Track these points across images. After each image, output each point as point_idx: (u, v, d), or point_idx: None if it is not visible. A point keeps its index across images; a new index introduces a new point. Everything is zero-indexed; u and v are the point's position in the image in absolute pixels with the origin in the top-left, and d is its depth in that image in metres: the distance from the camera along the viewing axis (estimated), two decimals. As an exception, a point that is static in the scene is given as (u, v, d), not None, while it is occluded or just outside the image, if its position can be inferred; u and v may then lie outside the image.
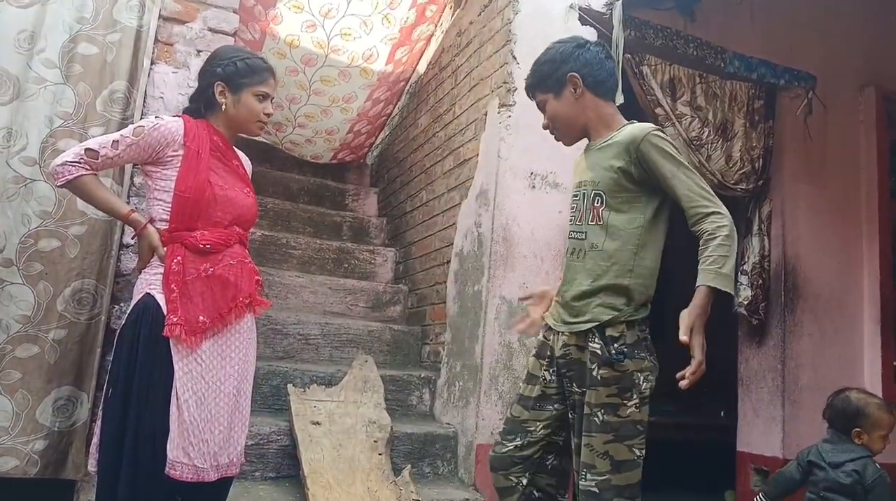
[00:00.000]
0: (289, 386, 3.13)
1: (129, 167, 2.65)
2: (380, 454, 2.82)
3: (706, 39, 3.89)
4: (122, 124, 2.60)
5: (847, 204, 4.23)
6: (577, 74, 2.04)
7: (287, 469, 2.88)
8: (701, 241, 1.90)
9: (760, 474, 3.86)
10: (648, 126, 1.99)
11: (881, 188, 4.27)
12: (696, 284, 1.89)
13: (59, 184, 2.01)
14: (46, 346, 2.47)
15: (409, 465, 2.77)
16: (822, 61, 4.16)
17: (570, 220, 2.10)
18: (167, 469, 1.90)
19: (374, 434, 2.92)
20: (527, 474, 2.03)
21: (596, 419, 1.88)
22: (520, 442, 2.04)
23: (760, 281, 3.93)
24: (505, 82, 3.37)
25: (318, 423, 2.90)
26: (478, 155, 3.54)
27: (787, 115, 4.11)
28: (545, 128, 2.20)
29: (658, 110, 3.72)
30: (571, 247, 2.06)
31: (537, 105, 2.19)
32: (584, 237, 2.01)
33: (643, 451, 1.92)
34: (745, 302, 3.93)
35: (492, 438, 3.08)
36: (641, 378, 1.91)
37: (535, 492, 2.04)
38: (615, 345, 1.90)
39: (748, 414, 4.02)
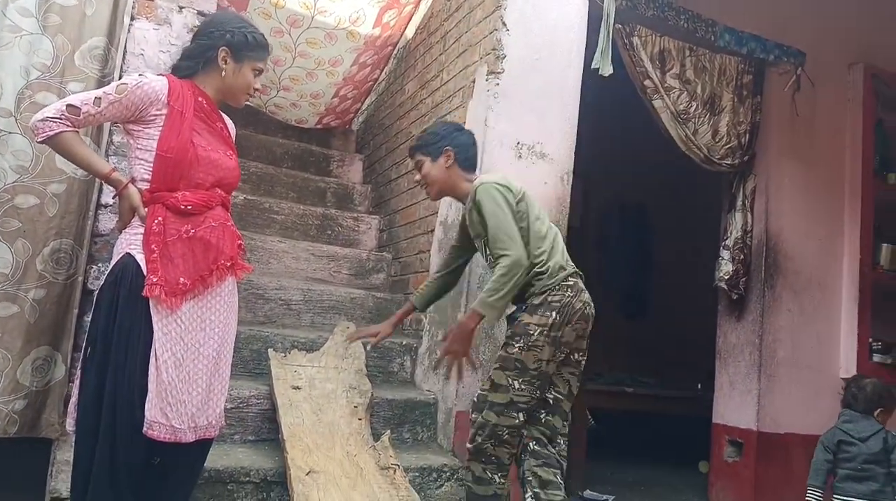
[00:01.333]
0: (269, 350, 3.12)
1: (107, 125, 2.60)
2: (360, 419, 2.83)
3: (697, 12, 3.86)
4: (102, 81, 2.54)
5: (831, 181, 4.26)
6: (451, 150, 2.66)
7: (267, 433, 2.88)
8: None
9: (735, 446, 3.93)
10: (477, 183, 2.58)
11: (865, 166, 4.30)
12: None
13: (39, 139, 1.97)
14: (26, 306, 2.44)
15: (389, 431, 2.79)
16: (812, 37, 4.15)
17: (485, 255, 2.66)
18: (145, 428, 1.89)
19: (355, 399, 2.92)
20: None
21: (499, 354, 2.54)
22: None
23: (742, 257, 3.96)
24: (494, 49, 3.33)
25: (298, 388, 2.90)
26: (465, 122, 3.51)
27: (775, 91, 4.11)
28: (417, 182, 2.79)
29: (647, 82, 3.70)
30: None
31: (415, 164, 2.75)
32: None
33: (521, 384, 2.42)
34: (726, 277, 3.96)
35: (471, 405, 3.10)
36: (536, 330, 2.43)
37: (530, 443, 2.50)
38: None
39: (724, 387, 4.08)
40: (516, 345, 2.44)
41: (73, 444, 2.01)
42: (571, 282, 2.53)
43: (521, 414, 2.43)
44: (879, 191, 4.35)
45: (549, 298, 2.46)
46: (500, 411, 2.42)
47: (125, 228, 2.04)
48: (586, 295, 2.56)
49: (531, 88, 3.39)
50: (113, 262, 2.03)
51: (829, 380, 4.09)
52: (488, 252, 2.53)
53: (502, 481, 2.45)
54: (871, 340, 4.18)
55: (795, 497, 3.88)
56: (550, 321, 2.43)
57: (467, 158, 2.71)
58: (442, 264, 2.98)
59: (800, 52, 4.08)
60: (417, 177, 2.74)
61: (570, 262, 2.61)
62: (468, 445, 2.51)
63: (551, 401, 2.53)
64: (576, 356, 2.57)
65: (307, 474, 2.44)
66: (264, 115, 4.97)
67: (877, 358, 4.20)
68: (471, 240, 2.71)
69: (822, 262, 4.16)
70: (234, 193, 4.00)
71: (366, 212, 4.69)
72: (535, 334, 2.42)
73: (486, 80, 3.35)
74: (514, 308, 2.56)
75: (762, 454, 3.80)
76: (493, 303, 2.40)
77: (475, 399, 2.54)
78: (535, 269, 2.48)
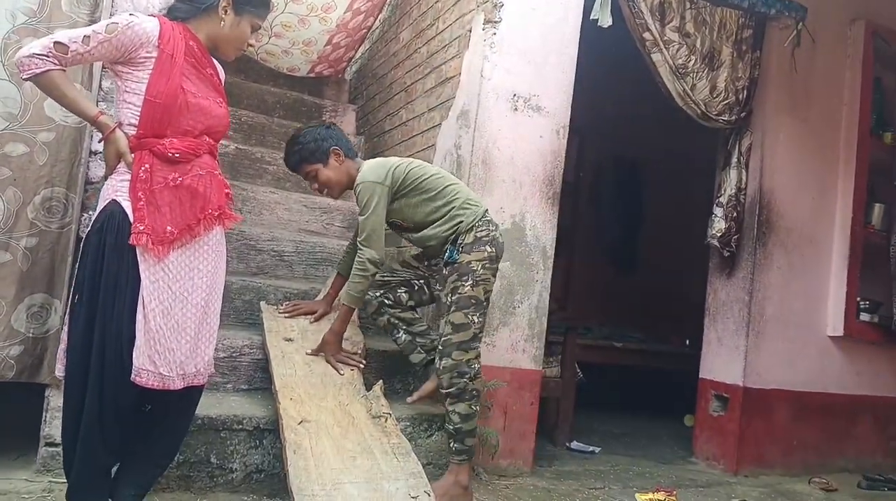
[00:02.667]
0: (262, 302, 3.13)
1: (97, 70, 2.55)
2: (352, 369, 2.86)
3: (699, -37, 3.78)
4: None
5: (827, 139, 4.24)
6: (338, 148, 2.82)
7: (259, 382, 2.91)
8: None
9: (720, 400, 4.00)
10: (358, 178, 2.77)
11: (862, 125, 4.27)
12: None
13: (24, 76, 1.91)
14: (18, 254, 2.44)
15: (381, 381, 2.81)
16: (813, -8, 4.08)
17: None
18: (133, 376, 1.89)
19: (347, 350, 2.94)
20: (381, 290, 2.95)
21: (446, 300, 2.71)
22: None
23: (735, 214, 3.96)
24: (491, -2, 3.27)
25: (290, 340, 2.92)
26: (460, 73, 3.46)
27: (774, 47, 4.06)
28: (317, 191, 2.89)
29: (646, 34, 3.64)
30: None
31: (306, 175, 2.85)
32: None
33: (478, 317, 2.67)
34: (718, 234, 3.96)
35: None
36: (478, 265, 2.67)
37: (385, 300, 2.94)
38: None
39: (713, 343, 4.13)
40: (467, 284, 2.65)
41: (63, 390, 2.02)
42: (489, 218, 2.77)
43: (479, 343, 2.70)
44: (874, 151, 4.33)
45: (478, 234, 2.70)
46: (466, 347, 2.65)
47: (111, 174, 2.01)
48: (498, 230, 2.80)
49: (529, 39, 3.33)
50: (98, 209, 2.00)
51: (816, 338, 4.15)
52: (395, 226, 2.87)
53: (478, 409, 2.72)
54: (858, 299, 4.22)
55: (778, 451, 3.98)
56: (487, 254, 2.69)
57: (349, 148, 2.89)
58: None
59: (801, 6, 4.01)
60: (316, 186, 2.86)
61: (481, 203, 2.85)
62: (446, 390, 2.66)
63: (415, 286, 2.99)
64: None
65: (299, 423, 2.47)
66: (255, 63, 4.88)
67: (864, 316, 4.24)
68: None
69: (814, 220, 4.17)
70: (225, 142, 4.01)
71: (359, 163, 4.64)
72: (479, 269, 2.66)
73: (483, 30, 3.29)
74: (448, 253, 2.72)
75: (747, 409, 3.87)
76: (356, 296, 2.74)
77: (440, 347, 2.68)
78: (452, 212, 2.73)
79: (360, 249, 2.69)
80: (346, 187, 2.87)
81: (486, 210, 2.79)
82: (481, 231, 2.71)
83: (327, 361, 2.80)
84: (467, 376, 2.65)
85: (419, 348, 2.96)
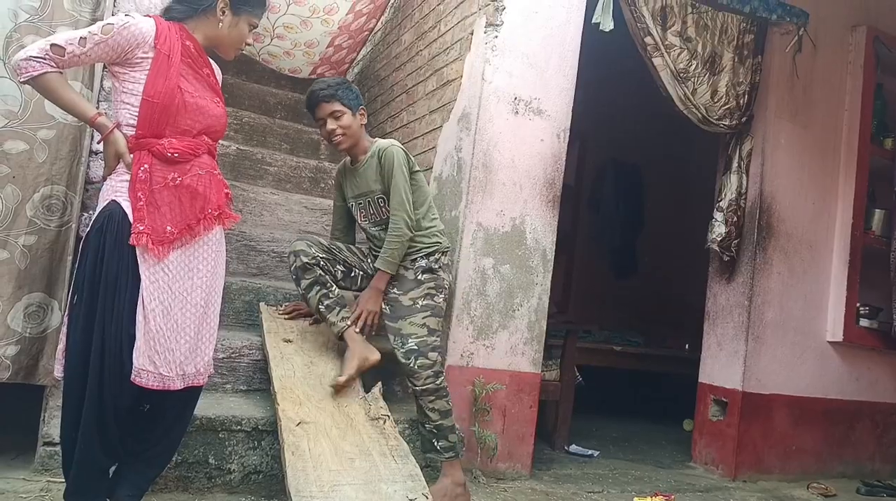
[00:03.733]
0: (261, 304, 3.13)
1: (98, 70, 2.55)
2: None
3: (701, -32, 3.78)
4: (92, 25, 2.48)
5: (827, 145, 4.24)
6: (364, 110, 2.92)
7: (258, 383, 2.91)
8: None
9: (719, 405, 4.00)
10: (387, 143, 2.91)
11: (862, 131, 4.27)
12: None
13: (22, 79, 1.93)
14: (16, 252, 2.43)
15: (380, 383, 2.81)
16: (815, -3, 4.09)
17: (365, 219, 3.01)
18: (133, 376, 1.90)
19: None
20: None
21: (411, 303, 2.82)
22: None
23: (735, 219, 3.96)
24: (493, 0, 3.26)
25: (289, 341, 2.91)
26: (462, 76, 3.46)
27: (775, 52, 4.06)
28: (330, 134, 2.86)
29: (647, 39, 3.65)
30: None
31: (331, 114, 2.83)
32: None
33: (441, 326, 2.86)
34: (719, 239, 3.96)
35: (462, 360, 3.14)
36: (445, 284, 2.90)
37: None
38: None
39: (712, 348, 4.12)
40: (441, 295, 2.86)
41: (62, 391, 2.01)
42: (447, 262, 2.95)
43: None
44: (875, 156, 4.33)
45: (446, 261, 2.93)
46: (436, 348, 2.79)
47: (111, 174, 2.01)
48: None
49: (530, 42, 3.34)
50: (98, 209, 2.01)
51: (815, 343, 4.14)
52: (373, 210, 2.94)
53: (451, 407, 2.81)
54: (858, 305, 4.21)
55: (776, 456, 3.98)
56: (448, 280, 2.94)
57: (368, 121, 3.10)
58: (342, 227, 3.13)
59: (803, 12, 4.02)
60: (333, 125, 2.83)
61: None
62: (427, 387, 2.71)
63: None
64: None
65: (298, 424, 2.47)
66: (258, 64, 4.88)
67: (863, 322, 4.24)
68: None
69: (814, 225, 4.17)
70: (226, 143, 4.01)
71: (359, 165, 4.64)
72: (446, 286, 2.91)
73: (485, 33, 3.29)
74: (423, 262, 2.85)
75: (746, 413, 3.87)
76: (393, 262, 2.80)
77: (415, 347, 2.73)
78: (435, 230, 2.91)
79: (395, 218, 2.79)
80: (354, 145, 2.91)
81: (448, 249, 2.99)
82: (447, 259, 2.93)
83: (366, 316, 2.83)
84: (441, 376, 2.75)
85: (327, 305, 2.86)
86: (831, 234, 4.23)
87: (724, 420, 3.95)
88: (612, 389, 5.29)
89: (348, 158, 3.02)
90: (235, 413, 2.61)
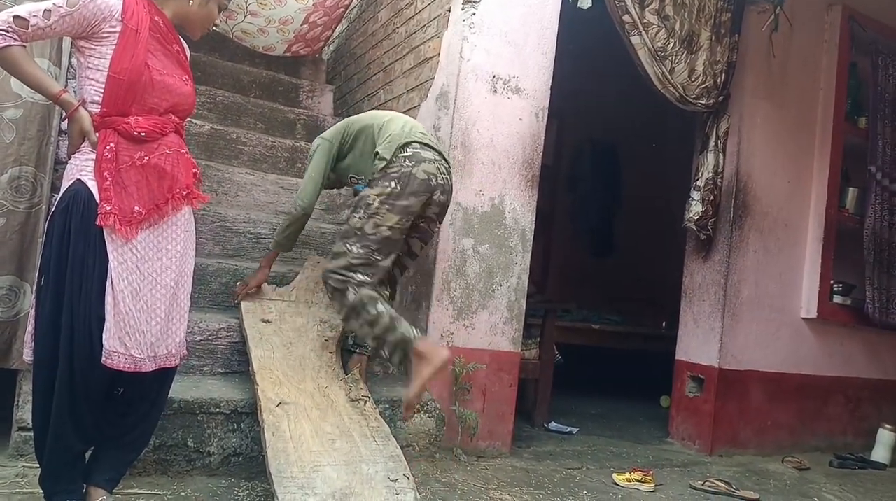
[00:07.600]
0: (238, 283, 3.09)
1: (67, 46, 2.48)
2: (331, 352, 2.84)
3: (679, -55, 3.76)
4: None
5: (803, 124, 4.27)
6: None
7: (237, 365, 2.88)
8: None
9: (696, 381, 4.05)
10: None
11: (837, 110, 4.31)
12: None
13: None
14: (-15, 235, 2.37)
15: (360, 363, 2.80)
16: (792, -24, 4.09)
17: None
18: (103, 358, 1.86)
19: (326, 333, 2.93)
20: None
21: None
22: None
23: (712, 198, 3.98)
24: (471, -23, 3.23)
25: (268, 321, 2.89)
26: (439, 54, 3.43)
27: (752, 31, 4.07)
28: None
29: (625, 17, 3.63)
30: None
31: None
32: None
33: (359, 249, 2.61)
34: (696, 218, 3.98)
35: (442, 340, 3.13)
36: (376, 200, 2.63)
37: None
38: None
39: (689, 325, 4.16)
40: (356, 215, 2.65)
41: (32, 375, 1.97)
42: (409, 153, 2.69)
43: (357, 273, 2.59)
44: (849, 135, 4.38)
45: (388, 170, 2.66)
46: (337, 272, 2.61)
47: (75, 153, 1.96)
48: (430, 166, 2.69)
49: (509, 20, 3.31)
50: (63, 188, 1.95)
51: (790, 320, 4.20)
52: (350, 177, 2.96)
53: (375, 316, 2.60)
54: (832, 282, 4.27)
55: (752, 431, 4.04)
56: (389, 190, 2.63)
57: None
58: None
59: (779, -10, 4.02)
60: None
61: (416, 135, 2.75)
62: (342, 312, 2.63)
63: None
64: (422, 223, 2.80)
65: (277, 405, 2.45)
66: (231, 42, 4.79)
67: (837, 299, 4.31)
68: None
69: (789, 204, 4.21)
70: (200, 122, 3.94)
71: (337, 145, 4.59)
72: (375, 203, 2.62)
73: (462, 10, 3.25)
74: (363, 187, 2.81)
75: (722, 389, 3.92)
76: (280, 241, 2.95)
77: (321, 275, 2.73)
78: (378, 154, 2.72)
79: (296, 201, 2.92)
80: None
81: (410, 142, 2.71)
82: (392, 167, 2.66)
83: (241, 288, 3.00)
84: (343, 298, 2.57)
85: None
86: (806, 212, 4.27)
87: (700, 397, 4.00)
88: (591, 367, 5.33)
89: None
90: (214, 395, 2.59)
